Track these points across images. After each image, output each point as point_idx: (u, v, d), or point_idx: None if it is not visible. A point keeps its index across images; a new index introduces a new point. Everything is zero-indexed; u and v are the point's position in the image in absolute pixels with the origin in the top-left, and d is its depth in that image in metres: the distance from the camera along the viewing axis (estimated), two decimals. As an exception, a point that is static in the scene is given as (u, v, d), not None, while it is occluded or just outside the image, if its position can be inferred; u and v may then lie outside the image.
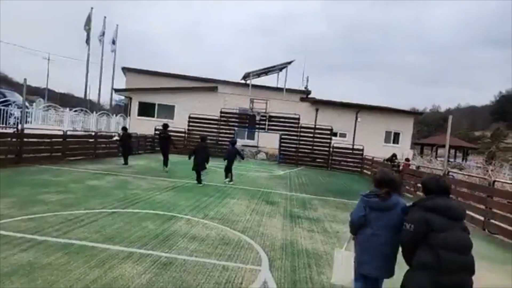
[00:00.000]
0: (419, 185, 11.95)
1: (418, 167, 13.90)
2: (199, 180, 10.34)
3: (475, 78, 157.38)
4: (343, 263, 3.16)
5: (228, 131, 22.12)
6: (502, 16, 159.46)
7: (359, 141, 23.89)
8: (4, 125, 15.15)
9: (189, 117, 22.31)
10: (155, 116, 25.21)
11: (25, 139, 11.61)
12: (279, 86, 27.67)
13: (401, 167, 14.68)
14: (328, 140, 21.83)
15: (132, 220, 5.91)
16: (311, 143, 22.15)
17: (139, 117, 25.06)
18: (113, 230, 5.26)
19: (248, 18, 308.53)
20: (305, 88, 31.33)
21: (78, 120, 20.81)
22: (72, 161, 13.07)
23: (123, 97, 30.86)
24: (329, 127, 22.13)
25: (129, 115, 25.46)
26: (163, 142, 13.05)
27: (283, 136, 22.11)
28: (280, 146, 22.19)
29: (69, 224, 5.35)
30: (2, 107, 15.56)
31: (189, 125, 22.12)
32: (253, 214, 7.32)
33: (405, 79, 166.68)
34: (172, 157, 13.20)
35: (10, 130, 12.60)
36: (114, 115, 26.69)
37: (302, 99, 27.16)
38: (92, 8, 28.09)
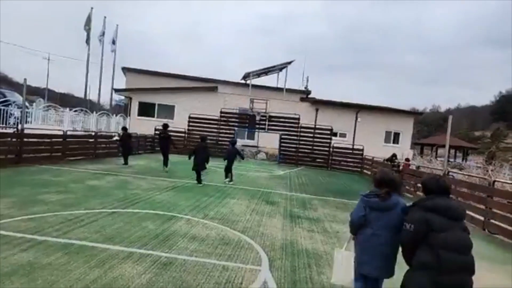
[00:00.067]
0: (419, 185, 11.98)
1: (418, 167, 13.90)
2: (199, 180, 10.34)
3: (475, 78, 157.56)
4: (343, 263, 3.16)
5: (228, 131, 22.13)
6: (502, 16, 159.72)
7: (359, 141, 23.89)
8: (4, 125, 15.15)
9: (189, 117, 22.31)
10: (155, 116, 25.21)
11: (25, 139, 11.61)
12: (279, 86, 27.69)
13: (401, 167, 14.69)
14: (328, 140, 21.82)
15: (132, 220, 5.91)
16: (311, 143, 22.15)
17: (139, 117, 25.06)
18: (113, 230, 5.26)
19: (248, 18, 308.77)
20: (305, 88, 31.34)
21: (78, 120, 20.81)
22: (72, 161, 13.07)
23: (123, 97, 30.87)
24: (329, 127, 22.13)
25: (129, 115, 25.46)
26: (163, 142, 13.10)
27: (283, 136, 22.11)
28: (280, 146, 22.19)
29: (69, 224, 5.35)
30: (2, 107, 15.56)
31: (189, 125, 22.13)
32: (253, 214, 7.32)
33: (405, 79, 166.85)
34: (172, 157, 13.20)
35: (10, 130, 12.61)
36: (114, 115, 26.69)
37: (302, 99, 27.16)
38: (92, 8, 28.13)
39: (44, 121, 17.94)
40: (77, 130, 18.24)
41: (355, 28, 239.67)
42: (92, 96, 41.42)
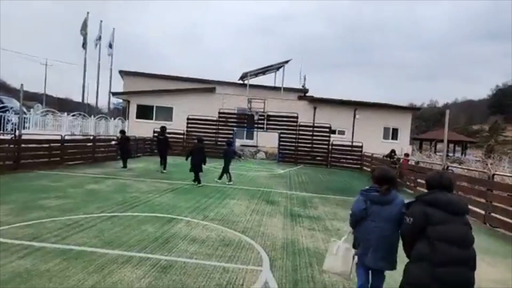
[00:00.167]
0: (419, 180, 11.98)
1: (417, 163, 13.88)
2: (198, 181, 10.31)
3: (472, 73, 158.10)
4: (339, 252, 3.17)
5: (227, 132, 22.10)
6: (498, 11, 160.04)
7: (358, 138, 23.87)
8: (1, 132, 15.10)
9: (188, 119, 22.28)
10: (154, 118, 25.18)
11: (23, 145, 11.56)
12: (276, 85, 27.67)
13: (401, 161, 14.72)
14: (327, 138, 21.79)
15: (132, 223, 5.87)
16: (310, 141, 22.13)
17: (138, 120, 25.04)
18: (112, 234, 5.22)
19: (248, 18, 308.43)
20: (303, 86, 31.34)
21: (76, 124, 20.74)
22: (70, 165, 13.02)
23: (121, 100, 30.80)
24: (328, 125, 22.10)
25: (128, 118, 25.43)
26: (161, 145, 13.26)
27: (282, 135, 22.08)
28: (279, 145, 22.16)
29: (67, 229, 5.31)
30: (0, 114, 15.51)
31: (187, 127, 22.10)
32: (253, 214, 7.29)
33: (403, 75, 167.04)
34: (170, 159, 13.21)
35: (8, 136, 12.57)
36: (113, 118, 26.61)
37: (300, 98, 27.15)
38: (88, 12, 28.00)
39: (42, 127, 17.88)
40: (75, 135, 18.19)
41: (353, 25, 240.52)
42: (90, 100, 41.28)
